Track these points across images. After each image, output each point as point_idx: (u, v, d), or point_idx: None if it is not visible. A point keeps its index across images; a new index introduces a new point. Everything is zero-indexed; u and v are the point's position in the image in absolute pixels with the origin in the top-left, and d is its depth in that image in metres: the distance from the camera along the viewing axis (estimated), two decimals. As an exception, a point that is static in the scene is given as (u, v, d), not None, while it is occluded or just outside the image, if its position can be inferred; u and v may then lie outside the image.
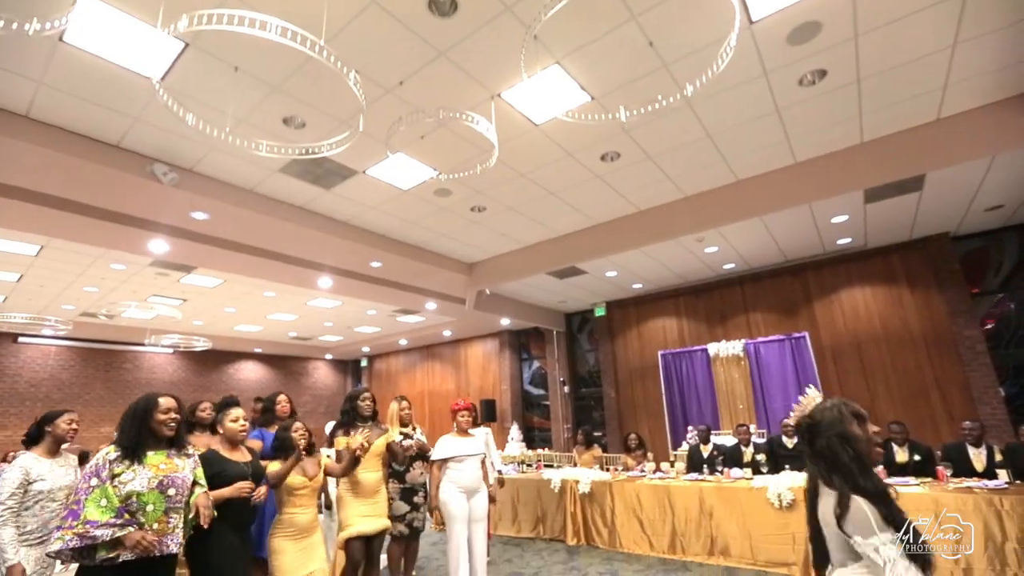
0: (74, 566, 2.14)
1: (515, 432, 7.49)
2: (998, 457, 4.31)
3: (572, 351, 11.14)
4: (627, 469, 5.87)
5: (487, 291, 8.68)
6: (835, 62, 3.91)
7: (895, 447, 4.70)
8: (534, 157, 5.09)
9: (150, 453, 2.28)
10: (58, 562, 2.40)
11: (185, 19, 2.47)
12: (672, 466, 5.48)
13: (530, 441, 11.02)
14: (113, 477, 2.16)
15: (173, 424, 2.36)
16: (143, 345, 12.04)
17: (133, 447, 2.25)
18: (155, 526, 2.17)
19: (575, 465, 6.64)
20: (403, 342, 13.35)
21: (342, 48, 3.49)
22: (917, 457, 4.59)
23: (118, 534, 2.05)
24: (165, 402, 2.37)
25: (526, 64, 3.21)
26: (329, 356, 15.83)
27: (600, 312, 10.48)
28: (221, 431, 2.86)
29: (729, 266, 8.58)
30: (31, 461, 2.83)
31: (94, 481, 2.12)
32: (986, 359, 6.94)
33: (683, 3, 3.27)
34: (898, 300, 7.82)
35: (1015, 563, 3.42)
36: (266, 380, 14.63)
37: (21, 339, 10.95)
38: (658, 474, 5.37)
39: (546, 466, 6.89)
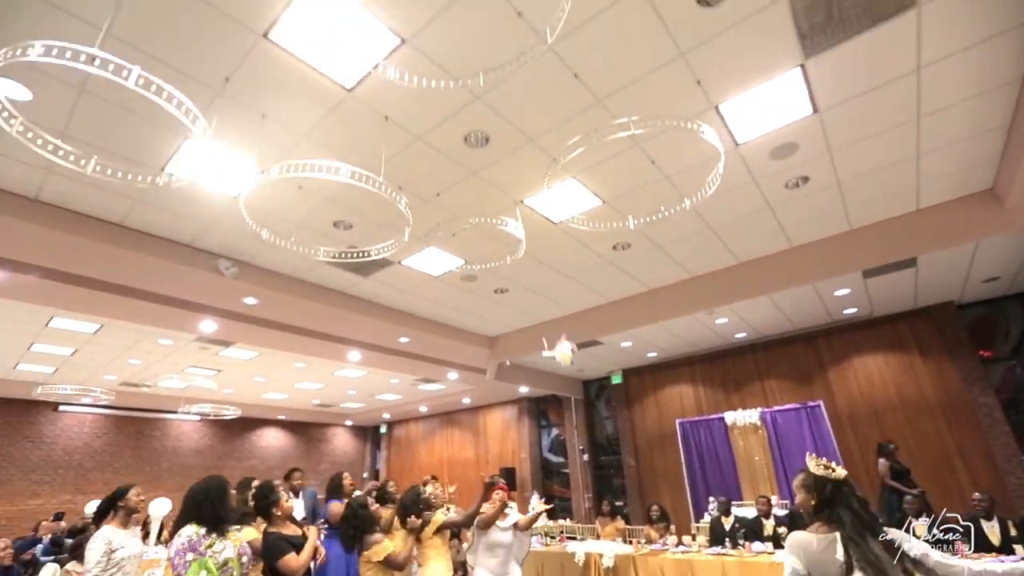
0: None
1: (535, 501, 7.57)
2: (1012, 532, 4.41)
3: (590, 418, 11.28)
4: (650, 542, 5.96)
5: (507, 362, 9.07)
6: (815, 170, 4.48)
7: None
8: (552, 248, 5.66)
9: (231, 529, 2.68)
10: None
11: (277, 168, 3.10)
12: (694, 539, 5.58)
13: (550, 512, 10.94)
14: (208, 548, 2.54)
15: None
16: (175, 413, 12.48)
17: (216, 522, 2.61)
18: None
19: (598, 537, 6.71)
20: (423, 409, 13.60)
21: (392, 171, 4.15)
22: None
23: None
24: (228, 486, 2.78)
25: (548, 181, 3.82)
26: (349, 422, 16.05)
27: (617, 380, 10.73)
28: (277, 512, 3.19)
29: (741, 335, 8.90)
30: (111, 532, 3.22)
31: (190, 556, 2.48)
32: (1005, 427, 6.97)
33: (680, 135, 3.89)
34: (911, 367, 7.98)
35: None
36: (287, 447, 14.83)
37: (61, 407, 11.46)
38: (681, 548, 5.48)
39: (569, 538, 6.96)
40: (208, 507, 2.65)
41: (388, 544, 3.28)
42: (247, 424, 14.22)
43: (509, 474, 10.68)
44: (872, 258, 5.61)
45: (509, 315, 7.60)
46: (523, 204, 4.74)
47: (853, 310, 7.95)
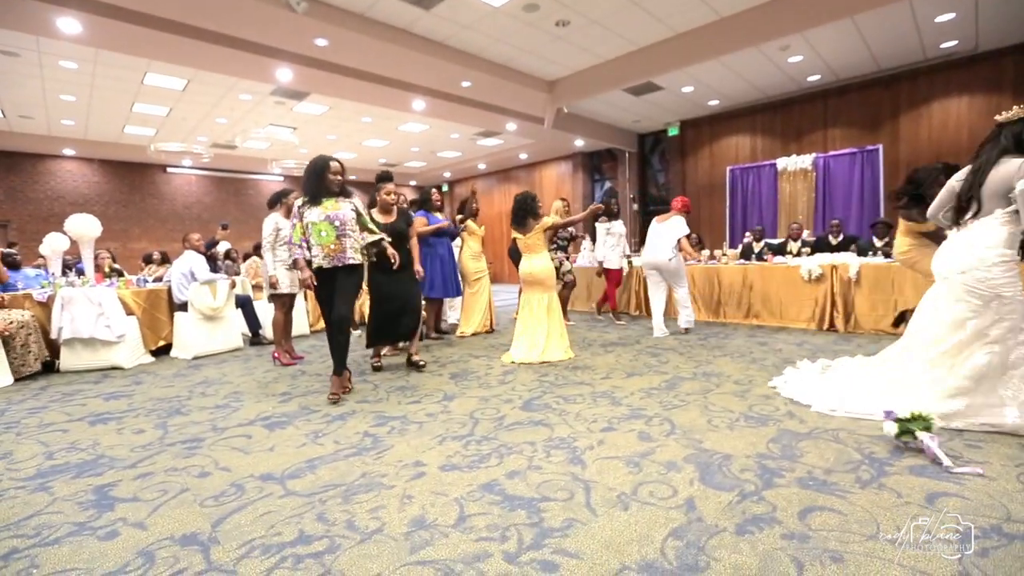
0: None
1: (587, 244, 8.73)
2: None
3: (643, 172, 11.73)
4: (686, 259, 7.04)
5: (565, 109, 9.19)
6: None
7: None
8: (621, -35, 5.27)
9: (324, 200, 3.26)
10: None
11: None
12: (724, 254, 6.52)
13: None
14: (302, 216, 3.25)
15: (339, 180, 3.30)
16: (262, 173, 13.92)
17: (313, 194, 3.24)
18: (332, 246, 3.20)
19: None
20: (481, 166, 14.37)
21: None
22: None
23: (296, 254, 3.22)
24: (335, 165, 3.30)
25: None
26: (413, 182, 17.31)
27: (673, 131, 10.74)
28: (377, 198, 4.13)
29: (814, 78, 8.40)
30: (277, 218, 4.40)
31: (294, 220, 3.30)
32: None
33: None
34: (996, 110, 7.47)
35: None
36: (364, 203, 16.55)
37: (169, 170, 13.06)
38: (712, 261, 6.50)
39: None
40: (308, 180, 3.29)
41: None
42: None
43: (563, 222, 11.86)
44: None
45: (569, 53, 7.46)
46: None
47: (953, 43, 7.19)
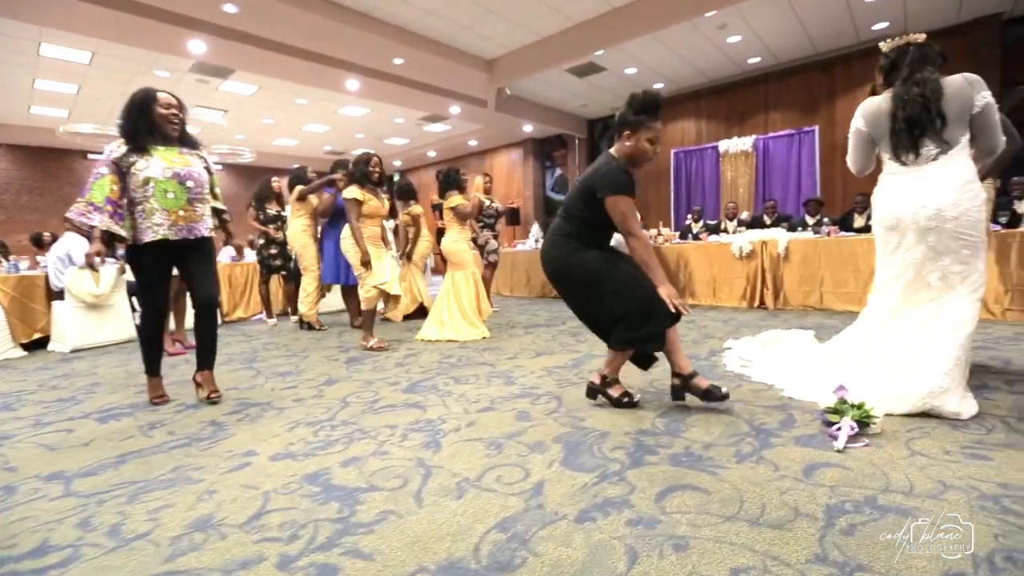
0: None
1: (535, 230, 8.47)
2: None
3: (593, 157, 11.54)
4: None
5: (507, 90, 8.91)
6: None
7: (855, 215, 5.42)
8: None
9: (160, 148, 2.39)
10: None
11: None
12: (659, 234, 6.37)
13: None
14: (130, 167, 2.34)
15: (176, 121, 2.43)
16: (196, 158, 13.09)
17: (134, 135, 2.35)
18: (182, 212, 2.41)
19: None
20: (431, 154, 13.95)
21: None
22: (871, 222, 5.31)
23: (94, 219, 2.27)
24: (164, 97, 2.42)
25: None
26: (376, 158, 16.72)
27: (621, 116, 10.60)
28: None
29: (754, 60, 8.38)
30: None
31: (99, 171, 2.35)
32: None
33: None
34: (926, 93, 7.70)
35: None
36: (310, 194, 15.87)
37: (90, 156, 12.11)
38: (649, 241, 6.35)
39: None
40: (128, 118, 2.37)
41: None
42: (265, 174, 14.91)
43: (513, 212, 11.55)
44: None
45: (505, 30, 7.16)
46: None
47: (884, 24, 7.26)
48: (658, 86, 9.43)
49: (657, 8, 6.31)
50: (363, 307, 3.79)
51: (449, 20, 6.83)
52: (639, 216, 2.88)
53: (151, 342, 2.61)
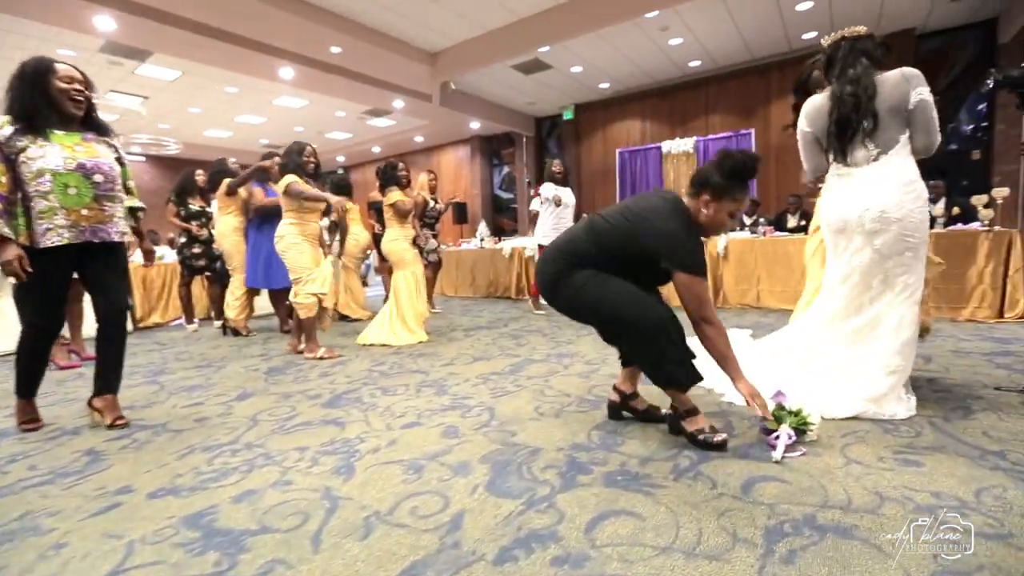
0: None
1: (482, 229, 8.28)
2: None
3: (540, 155, 11.51)
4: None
5: (452, 84, 8.68)
6: None
7: (788, 216, 5.60)
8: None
9: (59, 132, 2.02)
10: None
11: None
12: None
13: (499, 236, 12.08)
14: (19, 153, 1.94)
15: (80, 99, 2.05)
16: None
17: (27, 115, 1.96)
18: (84, 212, 2.02)
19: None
20: (376, 149, 13.47)
21: None
22: (803, 222, 5.52)
23: None
24: (65, 69, 2.03)
25: None
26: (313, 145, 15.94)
27: (568, 115, 10.60)
28: None
29: (695, 64, 8.57)
30: None
31: None
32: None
33: None
34: (851, 101, 8.14)
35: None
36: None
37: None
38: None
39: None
40: (18, 92, 1.97)
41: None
42: (197, 167, 13.89)
43: (460, 209, 11.30)
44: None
45: (448, 21, 6.94)
46: None
47: (812, 34, 7.60)
48: (603, 86, 9.48)
49: (601, 5, 6.28)
50: (301, 316, 3.43)
51: (388, 8, 6.52)
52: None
53: (32, 362, 2.18)
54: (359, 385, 2.68)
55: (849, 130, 1.89)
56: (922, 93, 1.81)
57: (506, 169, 12.13)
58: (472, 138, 12.02)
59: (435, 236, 5.41)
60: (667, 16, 6.68)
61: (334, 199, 3.42)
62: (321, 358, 3.36)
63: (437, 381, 2.69)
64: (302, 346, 3.49)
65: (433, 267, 5.43)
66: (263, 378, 2.93)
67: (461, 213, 11.35)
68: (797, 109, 2.20)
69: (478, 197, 12.12)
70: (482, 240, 7.40)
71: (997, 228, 3.77)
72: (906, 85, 1.83)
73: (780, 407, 1.71)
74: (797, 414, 1.67)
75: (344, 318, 5.29)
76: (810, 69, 2.38)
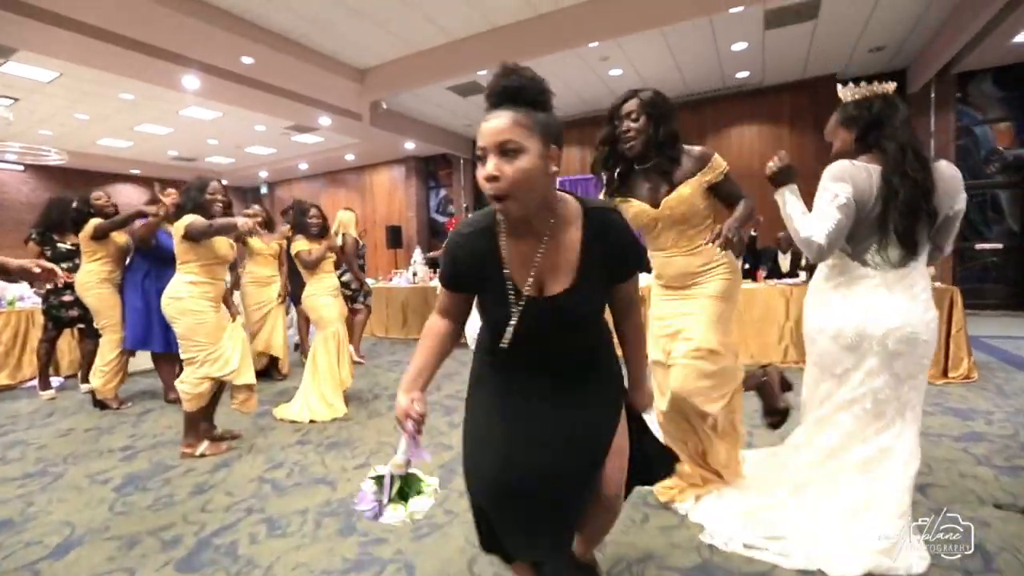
0: None
1: (417, 255, 7.69)
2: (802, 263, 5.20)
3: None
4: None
5: (383, 104, 8.09)
6: None
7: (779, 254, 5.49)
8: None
9: None
10: None
11: None
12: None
13: (435, 268, 11.50)
14: None
15: None
16: (-20, 158, 10.27)
17: None
18: None
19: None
20: (303, 166, 12.51)
21: None
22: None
23: None
24: None
25: None
26: (224, 181, 14.48)
27: (507, 140, 10.29)
28: None
29: (634, 95, 8.53)
30: None
31: None
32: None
33: None
34: (778, 139, 8.38)
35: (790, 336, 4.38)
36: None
37: None
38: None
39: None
40: None
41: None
42: (91, 178, 12.18)
43: (395, 232, 10.62)
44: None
45: (377, 37, 6.37)
46: None
47: (745, 74, 7.78)
48: (544, 112, 9.26)
49: (539, 33, 5.99)
50: (187, 407, 2.62)
51: (306, 19, 5.86)
52: None
53: None
54: (241, 513, 2.04)
55: (914, 222, 1.49)
56: (965, 196, 1.53)
57: (443, 192, 11.61)
58: (407, 159, 11.42)
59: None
60: (608, 47, 6.51)
61: (240, 220, 2.63)
62: (202, 455, 2.65)
63: (345, 502, 2.10)
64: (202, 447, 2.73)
65: (367, 310, 4.81)
66: (109, 501, 2.20)
67: (395, 237, 10.66)
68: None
69: (414, 220, 11.49)
70: (415, 275, 6.82)
71: (938, 284, 3.75)
72: (958, 183, 1.52)
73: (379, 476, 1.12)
74: (411, 477, 1.14)
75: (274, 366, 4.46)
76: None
